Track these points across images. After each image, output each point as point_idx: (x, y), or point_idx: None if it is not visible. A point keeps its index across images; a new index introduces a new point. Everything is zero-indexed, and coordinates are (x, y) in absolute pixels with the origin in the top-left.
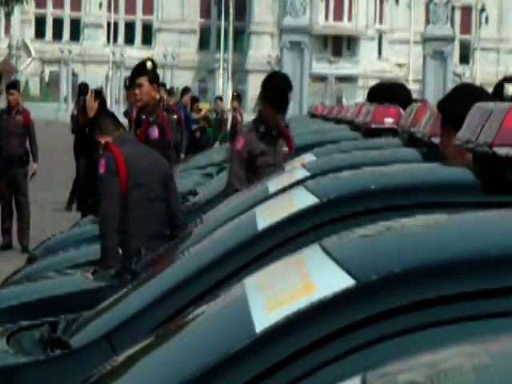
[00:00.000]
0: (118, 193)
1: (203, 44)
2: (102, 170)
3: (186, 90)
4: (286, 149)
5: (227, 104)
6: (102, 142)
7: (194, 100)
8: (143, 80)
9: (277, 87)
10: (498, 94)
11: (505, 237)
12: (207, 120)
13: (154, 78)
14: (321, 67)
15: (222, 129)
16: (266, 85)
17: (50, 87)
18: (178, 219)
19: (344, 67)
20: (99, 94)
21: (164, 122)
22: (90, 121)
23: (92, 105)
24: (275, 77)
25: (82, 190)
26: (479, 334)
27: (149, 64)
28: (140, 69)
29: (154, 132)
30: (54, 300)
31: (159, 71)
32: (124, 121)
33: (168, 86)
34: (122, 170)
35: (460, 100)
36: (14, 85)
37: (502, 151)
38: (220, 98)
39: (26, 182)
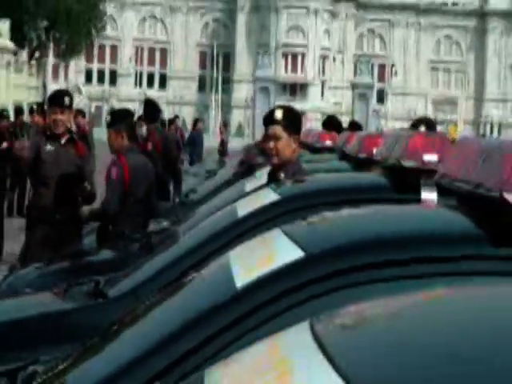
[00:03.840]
0: (120, 194)
1: (201, 88)
2: (114, 176)
3: (196, 121)
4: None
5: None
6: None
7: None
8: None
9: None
10: (415, 127)
11: (408, 223)
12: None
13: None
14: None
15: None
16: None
17: (95, 117)
18: (156, 214)
19: (297, 105)
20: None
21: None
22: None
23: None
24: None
25: None
26: (394, 291)
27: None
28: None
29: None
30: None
31: (170, 107)
32: None
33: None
34: (126, 178)
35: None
36: (81, 112)
37: (407, 164)
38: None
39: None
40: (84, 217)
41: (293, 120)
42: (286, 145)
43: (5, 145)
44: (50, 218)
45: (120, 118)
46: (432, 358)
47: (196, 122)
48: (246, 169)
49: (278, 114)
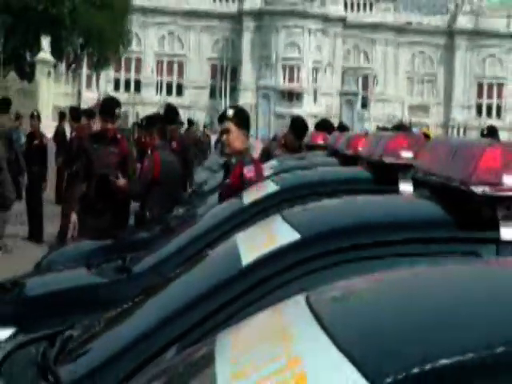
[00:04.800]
0: (148, 182)
1: (212, 95)
2: (145, 167)
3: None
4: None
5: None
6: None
7: None
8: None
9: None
10: (399, 128)
11: (388, 210)
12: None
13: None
14: (281, 110)
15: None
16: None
17: (122, 120)
18: (181, 202)
19: (294, 109)
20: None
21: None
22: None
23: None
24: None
25: None
26: (377, 268)
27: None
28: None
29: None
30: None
31: (186, 111)
32: None
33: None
34: (157, 170)
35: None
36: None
37: (388, 160)
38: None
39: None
40: (118, 185)
41: (242, 117)
42: (235, 137)
43: (36, 142)
44: (93, 208)
45: (152, 122)
46: (412, 324)
47: None
48: (267, 157)
49: (230, 112)
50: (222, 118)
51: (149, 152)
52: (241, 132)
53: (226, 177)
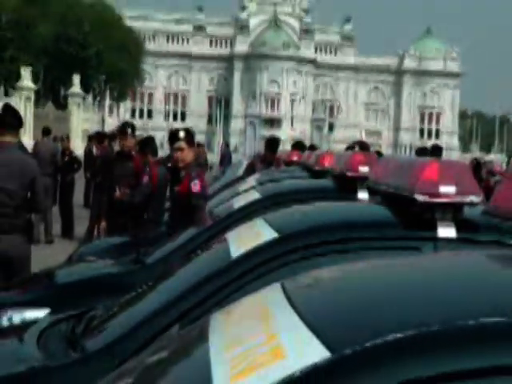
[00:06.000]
0: (149, 191)
1: (209, 121)
2: (144, 181)
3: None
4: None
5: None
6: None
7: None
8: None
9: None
10: (352, 148)
11: (349, 214)
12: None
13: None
14: (264, 133)
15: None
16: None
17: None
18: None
19: (274, 133)
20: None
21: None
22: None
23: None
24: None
25: None
26: (339, 261)
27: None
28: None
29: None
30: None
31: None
32: None
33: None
34: (155, 182)
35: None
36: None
37: (348, 173)
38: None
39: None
40: (115, 196)
41: (190, 138)
42: (186, 154)
43: (66, 159)
44: (115, 211)
45: (146, 144)
46: (367, 305)
47: (227, 144)
48: (251, 171)
49: (181, 134)
50: (175, 138)
51: (147, 169)
52: (190, 149)
53: (177, 185)
